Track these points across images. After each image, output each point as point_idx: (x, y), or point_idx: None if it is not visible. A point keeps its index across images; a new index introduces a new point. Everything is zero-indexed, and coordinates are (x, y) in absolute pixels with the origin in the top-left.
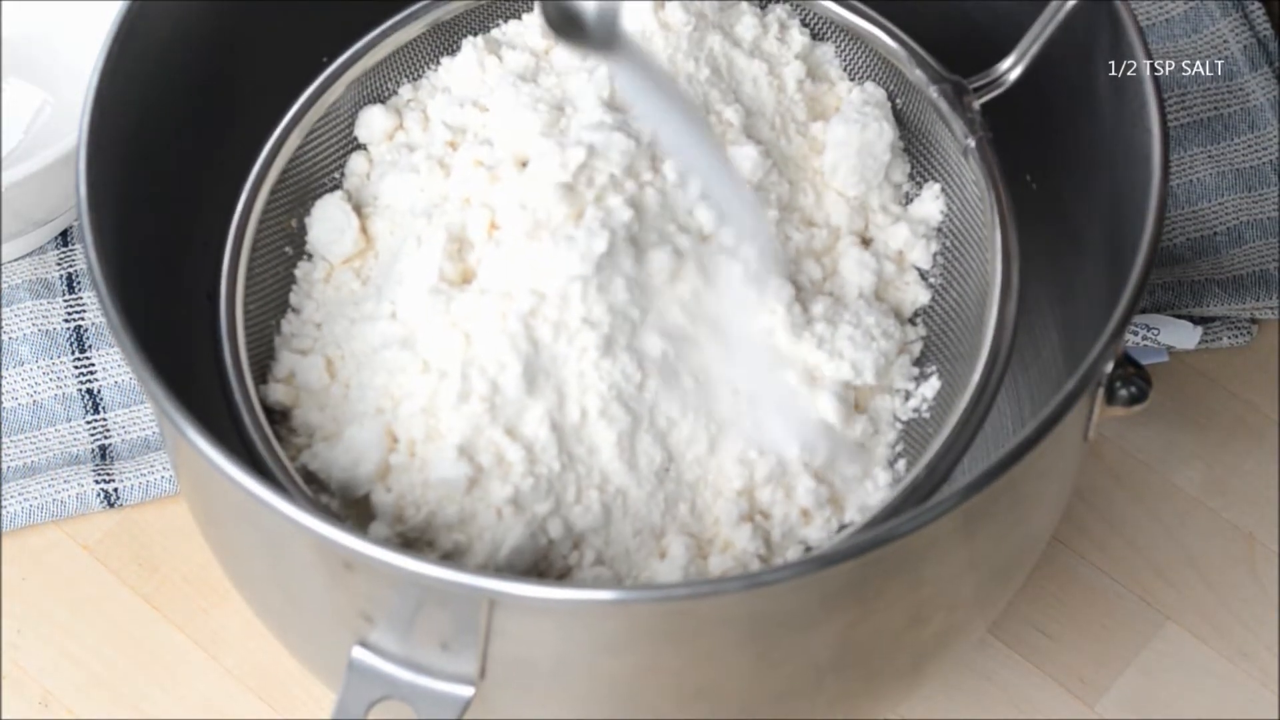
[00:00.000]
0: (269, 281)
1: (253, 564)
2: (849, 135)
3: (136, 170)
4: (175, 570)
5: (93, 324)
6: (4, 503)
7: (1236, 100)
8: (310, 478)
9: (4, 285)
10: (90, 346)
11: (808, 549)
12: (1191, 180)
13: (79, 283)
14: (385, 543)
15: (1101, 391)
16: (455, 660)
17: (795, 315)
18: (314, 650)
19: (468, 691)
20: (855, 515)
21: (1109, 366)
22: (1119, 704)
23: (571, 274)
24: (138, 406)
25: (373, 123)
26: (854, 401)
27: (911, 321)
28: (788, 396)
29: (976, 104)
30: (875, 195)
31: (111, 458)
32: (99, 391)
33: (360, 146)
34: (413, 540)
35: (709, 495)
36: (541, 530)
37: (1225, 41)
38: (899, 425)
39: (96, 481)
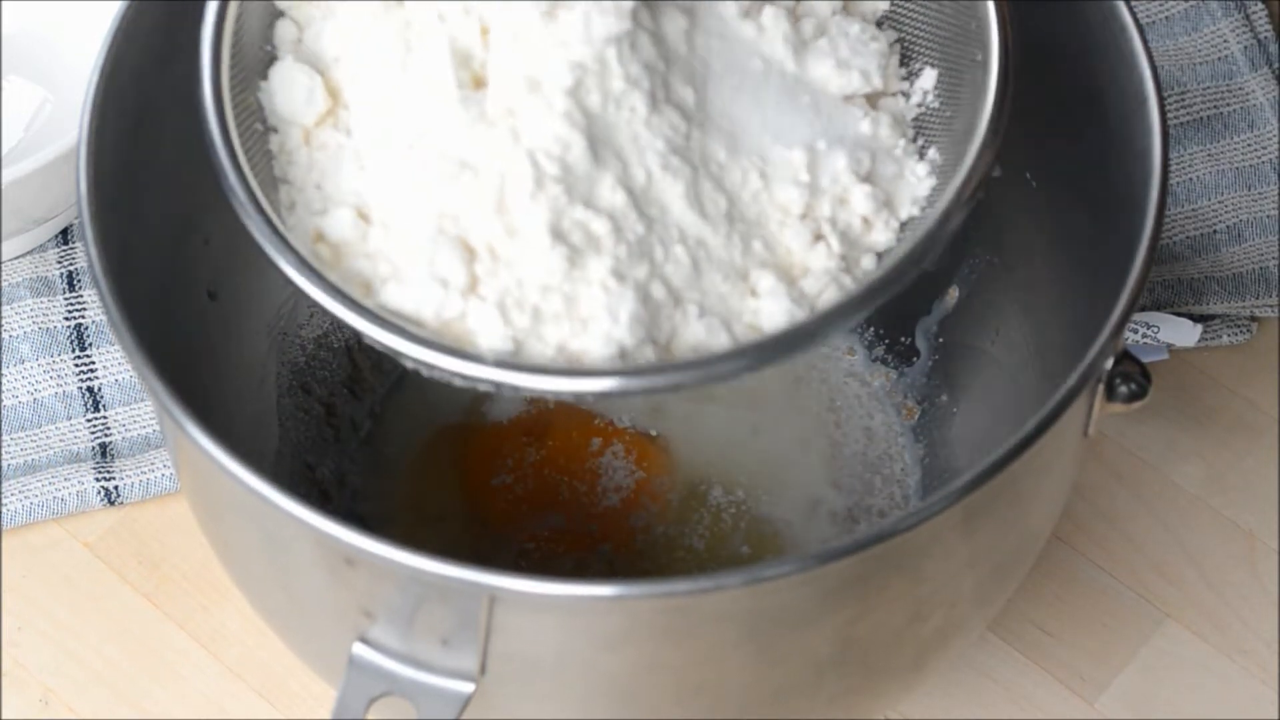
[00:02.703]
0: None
1: (253, 561)
2: None
3: (136, 169)
4: (176, 568)
5: (93, 322)
6: (4, 500)
7: (1236, 100)
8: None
9: (4, 283)
10: (91, 344)
11: (878, 255)
12: (1191, 178)
13: (79, 280)
14: (385, 539)
15: (1101, 388)
16: (456, 656)
17: (794, 41)
18: (314, 647)
19: (468, 688)
20: (911, 209)
21: (1109, 363)
22: (1119, 701)
23: (609, 35)
24: (138, 404)
25: None
26: (869, 108)
27: (879, 26)
28: (814, 116)
29: None
30: None
31: (112, 455)
32: (99, 389)
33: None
34: (522, 341)
35: (774, 228)
36: (647, 295)
37: (1225, 41)
38: (912, 120)
39: (97, 479)
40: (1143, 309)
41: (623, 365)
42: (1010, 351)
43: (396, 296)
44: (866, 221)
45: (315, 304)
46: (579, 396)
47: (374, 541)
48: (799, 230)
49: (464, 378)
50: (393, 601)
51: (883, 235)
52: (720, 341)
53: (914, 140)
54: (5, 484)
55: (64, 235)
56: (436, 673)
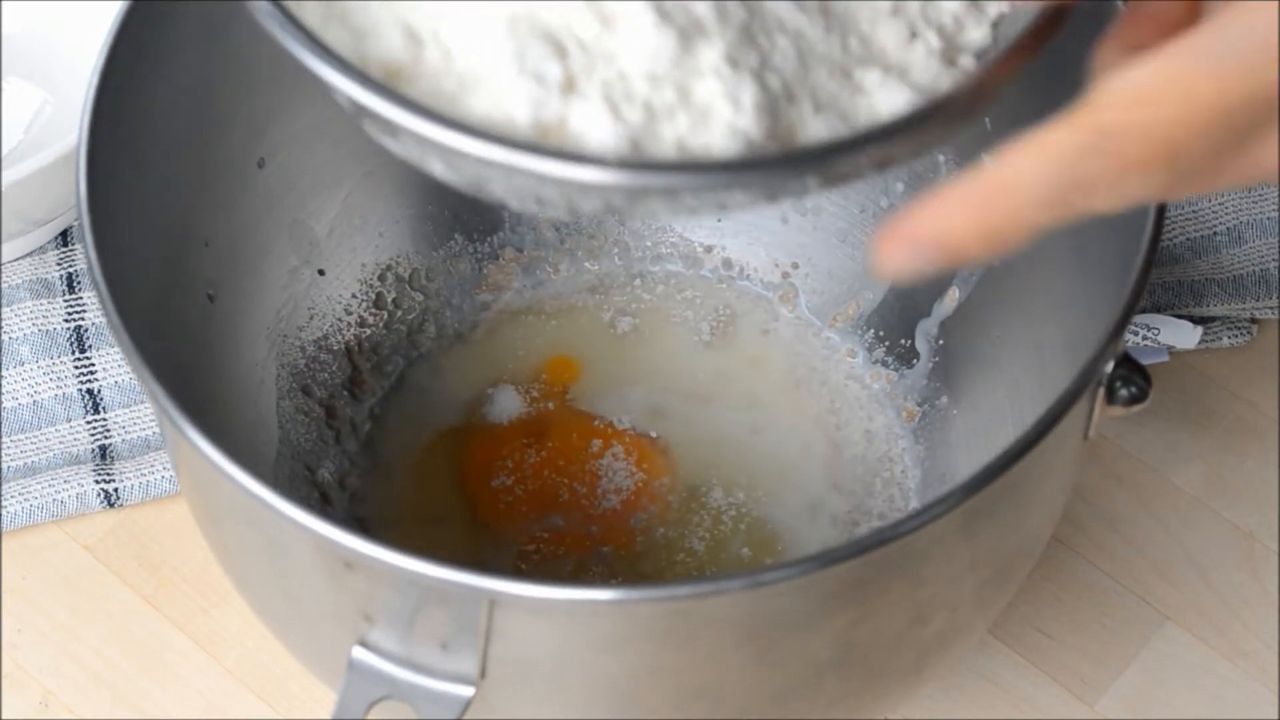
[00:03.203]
0: None
1: (253, 564)
2: None
3: (136, 170)
4: (175, 570)
5: (93, 324)
6: (4, 502)
7: None
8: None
9: (4, 285)
10: (90, 346)
11: (975, 56)
12: None
13: (79, 282)
14: (385, 543)
15: (1102, 391)
16: (455, 660)
17: None
18: (314, 650)
19: (468, 691)
20: (1000, 6)
21: (1109, 366)
22: (1119, 703)
23: None
24: (138, 406)
25: None
26: None
27: None
28: None
29: None
30: None
31: (112, 457)
32: (99, 391)
33: None
34: (638, 140)
35: (867, 26)
36: (764, 84)
37: None
38: None
39: (97, 481)
40: (1143, 311)
41: (755, 157)
42: (1010, 354)
43: (480, 104)
44: (958, 21)
45: (385, 124)
46: (720, 196)
47: (373, 545)
48: (893, 26)
49: (582, 186)
50: (392, 605)
51: (976, 33)
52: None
53: None
54: (5, 486)
55: (64, 237)
56: (436, 676)
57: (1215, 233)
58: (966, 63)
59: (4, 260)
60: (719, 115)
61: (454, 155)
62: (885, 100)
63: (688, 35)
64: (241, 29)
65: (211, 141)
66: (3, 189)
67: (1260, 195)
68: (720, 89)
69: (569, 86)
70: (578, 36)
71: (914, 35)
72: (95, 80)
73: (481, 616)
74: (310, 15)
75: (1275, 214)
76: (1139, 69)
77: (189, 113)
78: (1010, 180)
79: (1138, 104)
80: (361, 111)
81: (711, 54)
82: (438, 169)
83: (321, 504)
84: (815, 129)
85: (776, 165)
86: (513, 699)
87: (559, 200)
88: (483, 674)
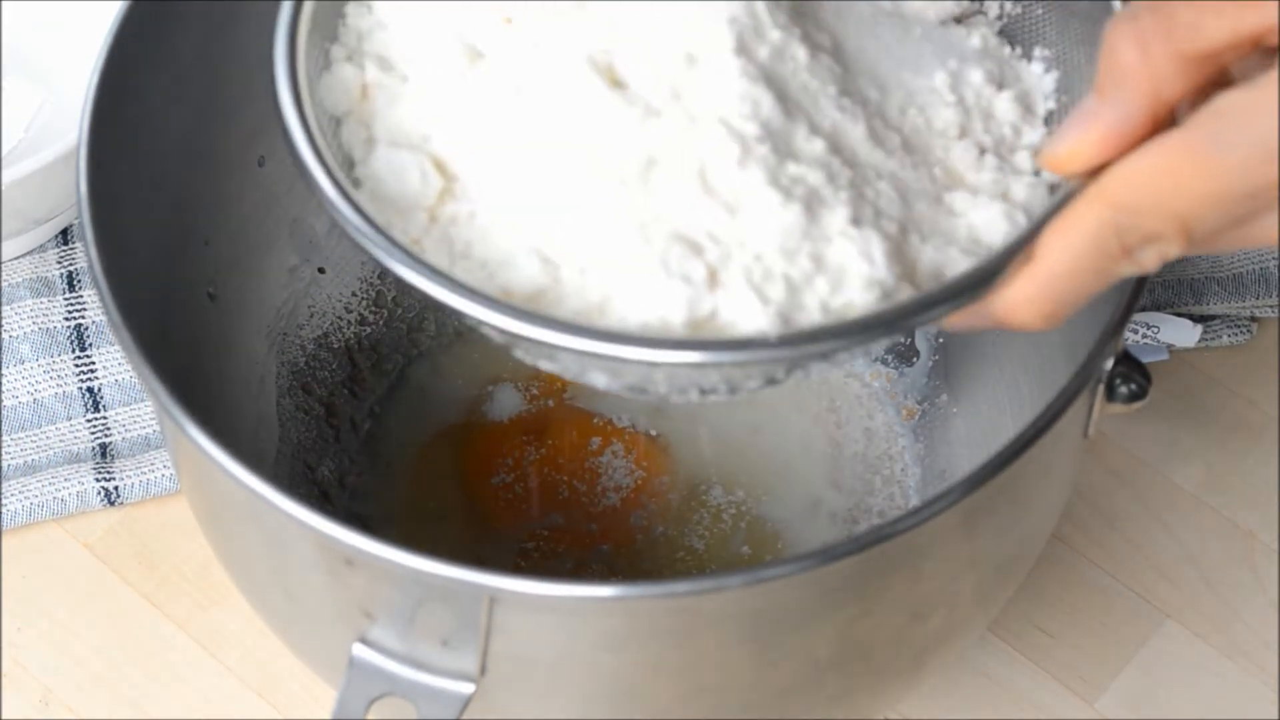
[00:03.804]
0: None
1: (253, 561)
2: None
3: (136, 169)
4: (176, 568)
5: (93, 322)
6: (4, 501)
7: None
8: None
9: (4, 283)
10: (91, 345)
11: (1035, 151)
12: None
13: (79, 281)
14: (385, 540)
15: (1101, 389)
16: (456, 657)
17: None
18: (315, 647)
19: (468, 688)
20: (1048, 104)
21: (1109, 364)
22: (1119, 702)
23: None
24: (138, 405)
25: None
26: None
27: None
28: (930, 44)
29: None
30: None
31: (112, 456)
32: (99, 390)
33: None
34: (786, 314)
35: (941, 153)
36: (885, 233)
37: None
38: (997, 31)
39: (97, 479)
40: (1142, 309)
41: (895, 305)
42: (1010, 352)
43: (633, 313)
44: (1015, 128)
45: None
46: (870, 346)
47: (373, 542)
48: (964, 149)
49: (745, 368)
50: (393, 602)
51: (1033, 135)
52: (952, 259)
53: (1012, 48)
54: (5, 484)
55: (64, 236)
56: (436, 673)
57: None
58: (1024, 161)
59: (4, 259)
60: (855, 272)
61: (623, 364)
62: (979, 217)
63: (810, 206)
64: (242, 29)
65: (211, 140)
66: (3, 188)
67: None
68: (853, 249)
69: (712, 279)
70: (708, 230)
71: (982, 152)
72: (95, 80)
73: (482, 613)
74: (436, 258)
75: None
76: (1152, 155)
77: (189, 112)
78: (1059, 267)
79: (1155, 185)
80: (521, 340)
81: (836, 219)
82: (600, 380)
83: (322, 502)
84: (929, 257)
85: (917, 310)
86: (513, 696)
87: (721, 383)
88: (483, 671)
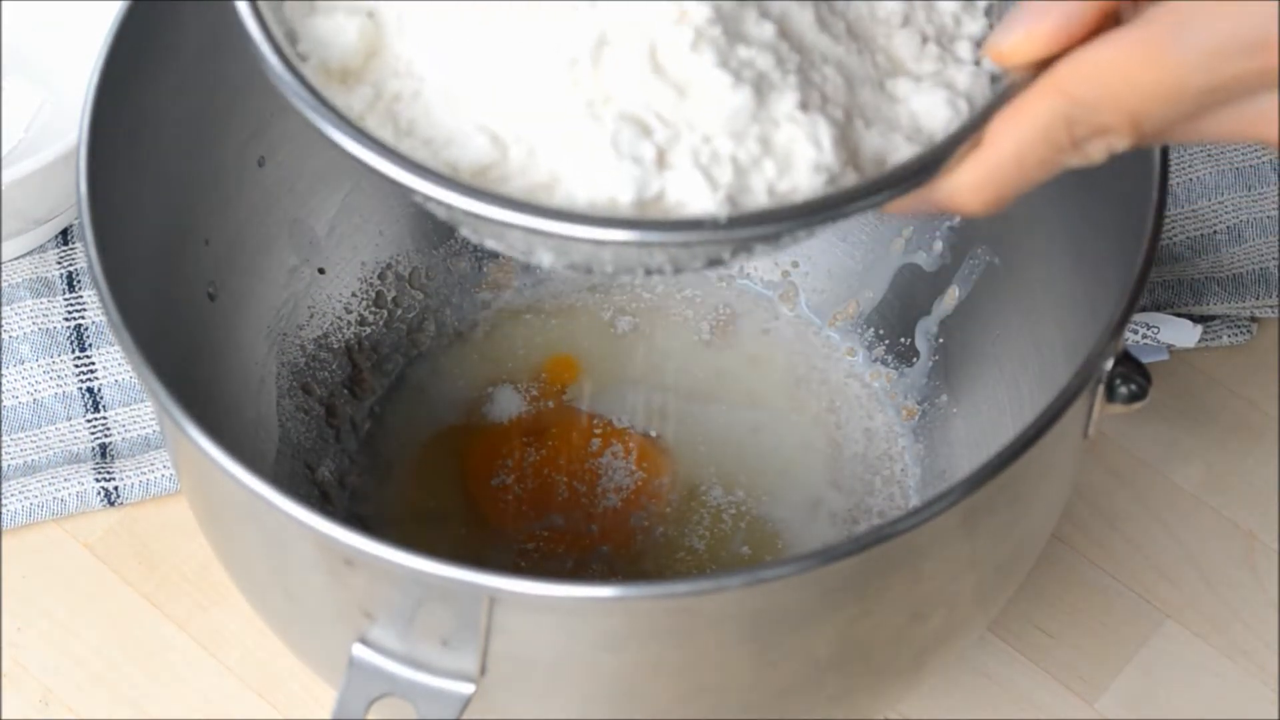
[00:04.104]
0: None
1: (253, 561)
2: None
3: (136, 169)
4: (176, 568)
5: (93, 322)
6: (4, 501)
7: None
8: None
9: (4, 284)
10: (90, 345)
11: (976, 43)
12: (1191, 179)
13: (79, 281)
14: (385, 540)
15: (1101, 389)
16: (456, 657)
17: None
18: (314, 647)
19: (468, 689)
20: None
21: (1109, 364)
22: (1118, 702)
23: None
24: (138, 405)
25: None
26: None
27: None
28: None
29: None
30: None
31: (112, 456)
32: (99, 390)
33: None
34: (735, 196)
35: (884, 41)
36: (831, 117)
37: None
38: None
39: (97, 480)
40: (1143, 309)
41: (840, 189)
42: (1010, 352)
43: (581, 192)
44: (955, 18)
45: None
46: (813, 229)
47: (373, 543)
48: (906, 38)
49: (690, 247)
50: (392, 602)
51: (973, 25)
52: (896, 145)
53: None
54: (5, 484)
55: (64, 236)
56: (436, 674)
57: (1215, 231)
58: (964, 51)
59: (4, 259)
60: (802, 156)
61: (571, 243)
62: (920, 103)
63: (759, 89)
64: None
65: (211, 141)
66: (3, 188)
67: (1260, 194)
68: (801, 133)
69: (661, 159)
70: (657, 111)
71: (925, 40)
72: (95, 80)
73: (482, 614)
74: (384, 133)
75: (1275, 212)
76: (1109, 49)
77: (189, 112)
78: (1006, 154)
79: (1109, 78)
80: (469, 217)
81: (785, 103)
82: (546, 258)
83: (322, 502)
84: (874, 143)
85: (864, 194)
86: (513, 696)
87: (666, 263)
88: (483, 671)
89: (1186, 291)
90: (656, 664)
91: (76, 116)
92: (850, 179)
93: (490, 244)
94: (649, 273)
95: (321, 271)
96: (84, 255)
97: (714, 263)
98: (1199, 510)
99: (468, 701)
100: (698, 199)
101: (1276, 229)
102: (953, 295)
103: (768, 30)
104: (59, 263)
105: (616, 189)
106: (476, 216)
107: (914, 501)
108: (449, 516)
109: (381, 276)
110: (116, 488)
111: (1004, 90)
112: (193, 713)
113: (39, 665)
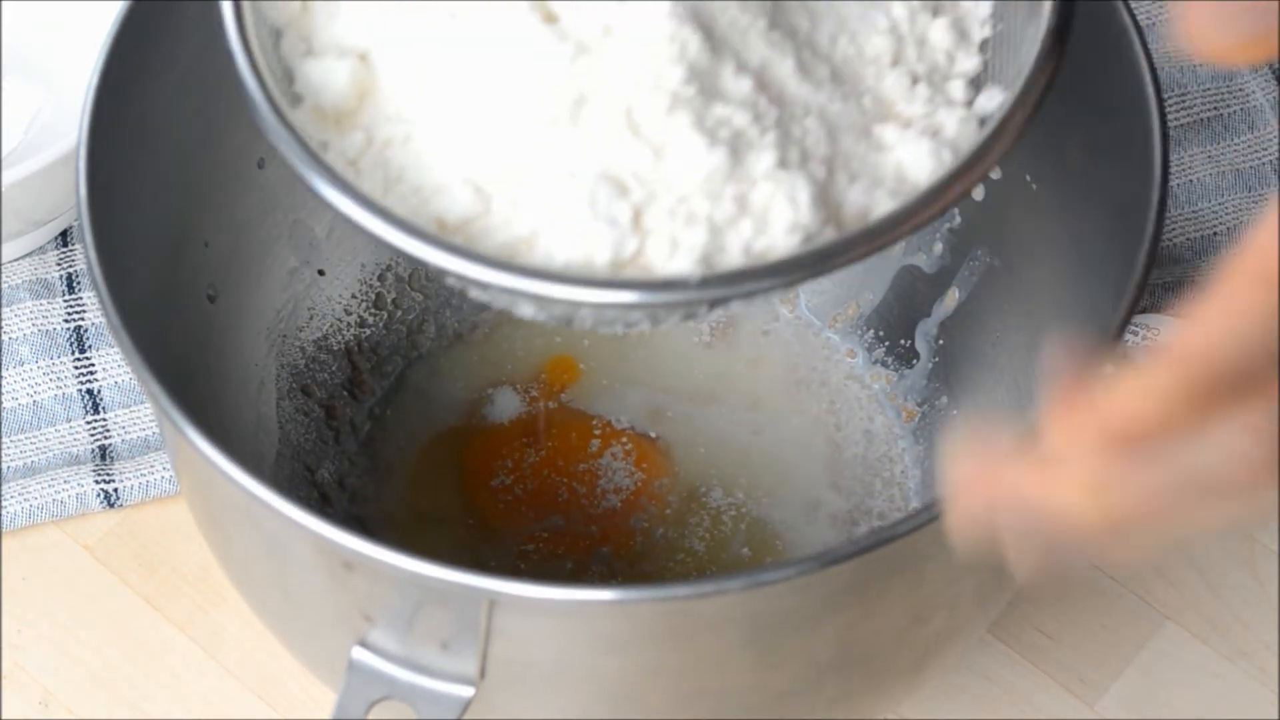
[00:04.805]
0: None
1: (253, 564)
2: None
3: (136, 170)
4: (175, 570)
5: (93, 324)
6: (4, 503)
7: (1236, 100)
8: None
9: (4, 285)
10: (90, 347)
11: (969, 82)
12: (1191, 180)
13: (79, 283)
14: (385, 543)
15: None
16: (455, 660)
17: None
18: (314, 650)
19: (468, 691)
20: (983, 31)
21: (1109, 366)
22: (1119, 703)
23: None
24: (138, 406)
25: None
26: None
27: None
28: None
29: None
30: None
31: (111, 458)
32: (99, 392)
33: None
34: (709, 255)
35: (873, 81)
36: (811, 175)
37: None
38: None
39: (96, 481)
40: (1143, 311)
41: (814, 248)
42: (1010, 354)
43: (559, 250)
44: (949, 55)
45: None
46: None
47: (373, 546)
48: (897, 77)
49: (668, 306)
50: (392, 605)
51: (967, 63)
52: (878, 200)
53: None
54: (5, 486)
55: (64, 237)
56: (436, 676)
57: (1215, 233)
58: (957, 90)
59: (4, 260)
60: (779, 216)
61: (550, 302)
62: (906, 153)
63: (735, 149)
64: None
65: (211, 141)
66: (3, 189)
67: (1261, 195)
68: (778, 192)
69: (636, 220)
70: (634, 171)
71: (915, 80)
72: (95, 80)
73: (481, 616)
74: (372, 181)
75: None
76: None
77: (189, 113)
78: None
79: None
80: (450, 274)
81: (762, 162)
82: (528, 311)
83: (321, 504)
84: (855, 199)
85: (839, 251)
86: (513, 699)
87: (644, 319)
88: (482, 674)
89: (1187, 293)
90: (656, 667)
91: (76, 116)
92: (828, 236)
93: (475, 294)
94: (628, 326)
95: (321, 273)
96: (84, 257)
97: (690, 317)
98: None
99: (467, 704)
100: (672, 259)
101: None
102: (953, 297)
103: (745, 85)
104: (59, 264)
105: (593, 249)
106: (456, 274)
107: (914, 503)
108: (449, 518)
109: (381, 278)
110: (116, 489)
111: (986, 138)
112: (192, 714)
113: (39, 666)
